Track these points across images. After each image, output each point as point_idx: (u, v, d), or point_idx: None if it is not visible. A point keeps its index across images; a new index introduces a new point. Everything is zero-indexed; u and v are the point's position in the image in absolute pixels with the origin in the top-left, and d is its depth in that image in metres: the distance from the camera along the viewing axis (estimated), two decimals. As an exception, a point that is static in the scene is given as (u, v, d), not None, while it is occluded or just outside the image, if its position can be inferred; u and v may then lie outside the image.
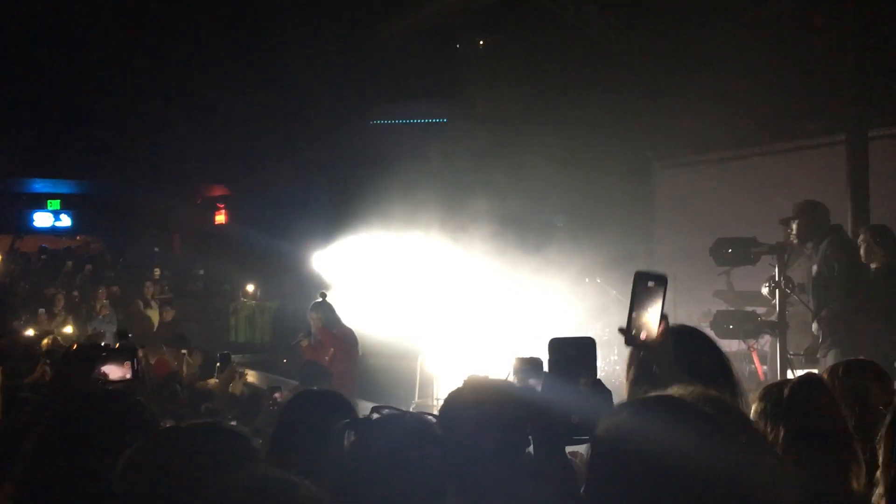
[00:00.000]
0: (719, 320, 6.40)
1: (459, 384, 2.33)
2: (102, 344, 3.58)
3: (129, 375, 2.29)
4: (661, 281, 2.06)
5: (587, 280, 10.10)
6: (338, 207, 12.35)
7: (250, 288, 14.21)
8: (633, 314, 2.05)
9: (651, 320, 2.04)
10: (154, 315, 12.28)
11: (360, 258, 10.14)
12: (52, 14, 12.09)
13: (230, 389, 6.48)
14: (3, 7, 12.11)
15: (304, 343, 8.60)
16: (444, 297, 9.21)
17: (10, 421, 4.32)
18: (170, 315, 11.95)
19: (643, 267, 2.17)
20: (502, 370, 2.48)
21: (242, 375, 7.69)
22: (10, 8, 12.12)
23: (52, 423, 1.93)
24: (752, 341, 7.45)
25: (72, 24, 12.05)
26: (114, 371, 2.28)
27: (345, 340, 8.02)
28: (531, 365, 2.35)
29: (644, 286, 2.05)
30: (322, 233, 11.04)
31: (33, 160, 15.15)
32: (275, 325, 13.71)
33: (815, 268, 6.08)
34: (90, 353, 2.17)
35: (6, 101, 13.41)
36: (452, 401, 2.20)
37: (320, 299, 8.39)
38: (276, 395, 6.23)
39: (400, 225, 9.79)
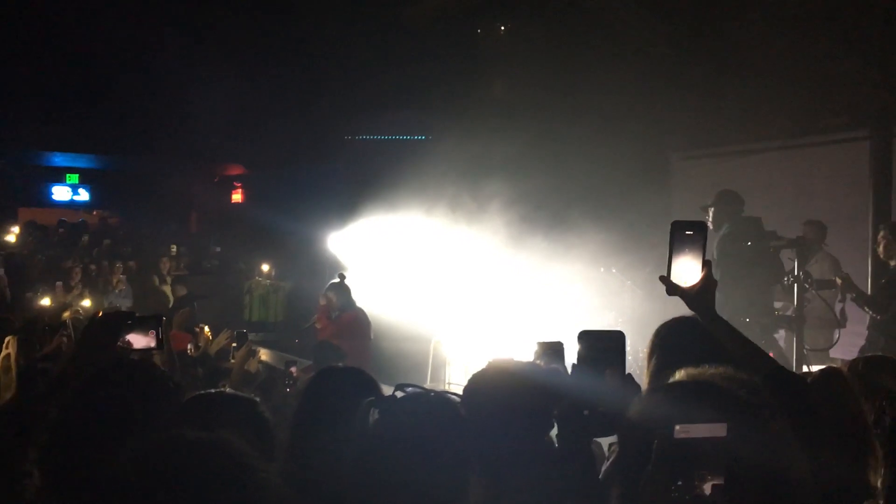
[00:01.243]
0: (736, 313, 6.37)
1: (481, 366, 2.34)
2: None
3: (153, 345, 2.31)
4: (700, 228, 2.06)
5: (602, 269, 10.08)
6: (354, 188, 12.35)
7: (265, 267, 14.26)
8: (673, 263, 2.04)
9: (692, 268, 2.04)
10: (169, 291, 12.37)
11: (376, 240, 10.16)
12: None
13: (246, 367, 6.49)
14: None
15: (319, 325, 8.64)
16: (457, 281, 9.22)
17: (30, 389, 4.36)
18: (182, 291, 12.01)
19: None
20: (523, 354, 2.48)
21: (257, 353, 7.72)
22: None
23: (77, 390, 1.96)
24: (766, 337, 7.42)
25: (98, 2, 12.08)
26: (138, 340, 2.30)
27: (350, 325, 8.00)
28: (553, 350, 2.35)
29: (682, 235, 2.04)
30: (338, 214, 11.06)
31: (53, 134, 15.22)
32: (288, 305, 13.76)
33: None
34: (115, 321, 2.18)
35: (27, 75, 13.46)
36: (477, 382, 2.21)
37: (338, 280, 8.39)
38: (293, 369, 6.26)
39: (414, 208, 9.80)
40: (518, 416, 2.10)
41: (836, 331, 6.47)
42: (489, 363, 2.34)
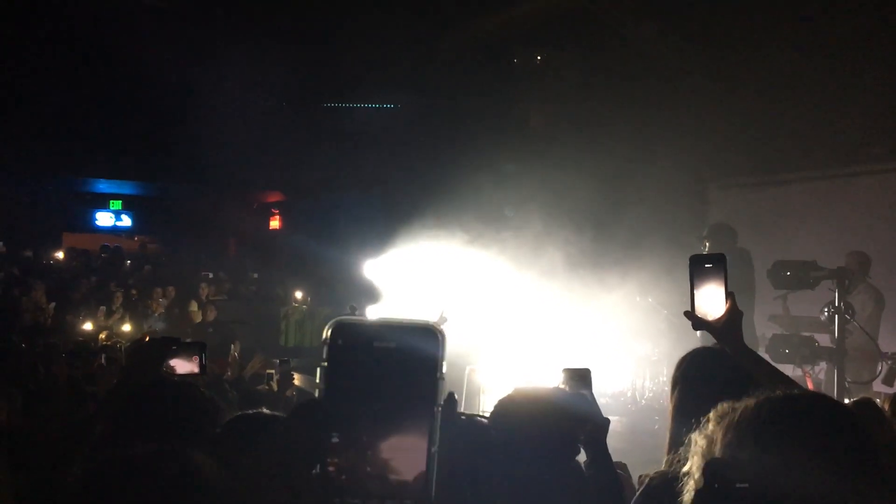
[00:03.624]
0: (775, 344, 6.28)
1: (507, 392, 2.35)
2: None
3: (196, 370, 2.37)
4: (719, 260, 2.06)
5: (638, 298, 10.01)
6: (391, 216, 12.45)
7: (299, 295, 14.38)
8: (696, 297, 2.05)
9: (716, 300, 2.04)
10: (210, 310, 12.52)
11: (412, 267, 10.20)
12: (116, 18, 12.44)
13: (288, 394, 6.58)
14: (69, 10, 12.50)
15: None
16: (493, 310, 9.20)
17: (77, 411, 4.47)
18: (212, 314, 12.11)
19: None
20: (551, 381, 2.50)
21: (292, 378, 7.79)
22: (75, 11, 12.51)
23: (120, 410, 2.01)
24: (807, 367, 7.30)
25: (137, 30, 12.40)
26: (181, 365, 2.36)
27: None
28: (579, 376, 2.37)
29: (701, 268, 2.05)
30: (375, 241, 11.14)
31: (97, 161, 15.63)
32: (323, 333, 13.84)
33: None
34: (161, 347, 2.24)
35: (75, 105, 13.87)
36: (504, 407, 2.22)
37: (349, 312, 8.46)
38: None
39: (449, 237, 9.83)
40: (545, 440, 2.11)
41: (880, 363, 6.35)
42: (515, 389, 2.35)
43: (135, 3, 12.52)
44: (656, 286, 9.65)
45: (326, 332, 1.10)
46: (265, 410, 1.86)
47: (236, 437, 1.66)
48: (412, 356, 1.07)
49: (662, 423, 8.74)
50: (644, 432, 8.34)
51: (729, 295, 2.04)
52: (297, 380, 9.24)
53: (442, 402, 1.08)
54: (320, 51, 13.39)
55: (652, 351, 10.46)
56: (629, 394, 10.42)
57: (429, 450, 1.09)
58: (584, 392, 2.25)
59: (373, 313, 6.88)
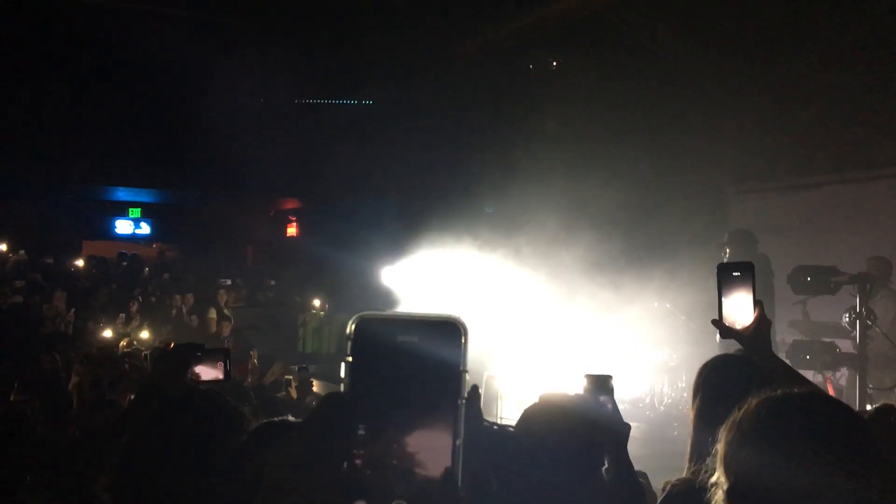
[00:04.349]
0: (796, 350, 6.25)
1: (533, 400, 2.36)
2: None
3: (220, 376, 2.39)
4: (747, 269, 2.06)
5: (656, 304, 9.97)
6: (407, 223, 12.47)
7: (317, 302, 14.42)
8: (723, 305, 2.05)
9: (743, 309, 2.04)
10: (226, 324, 12.59)
11: (429, 274, 10.22)
12: (134, 29, 12.57)
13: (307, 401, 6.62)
14: (88, 21, 12.64)
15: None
16: (510, 316, 9.20)
17: (98, 417, 4.50)
18: (227, 329, 12.13)
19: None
20: (572, 387, 2.50)
21: (311, 385, 7.83)
22: (94, 22, 12.65)
23: (148, 418, 2.03)
24: (828, 373, 7.25)
25: (155, 39, 12.52)
26: (206, 372, 2.38)
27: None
28: (601, 382, 2.36)
29: (729, 276, 2.05)
30: (391, 248, 11.17)
31: (117, 170, 15.79)
32: (341, 338, 13.88)
33: None
34: (185, 354, 2.26)
35: (94, 115, 14.02)
36: (529, 416, 2.22)
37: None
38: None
39: (467, 242, 9.84)
40: (572, 448, 2.11)
41: (903, 369, 6.30)
42: (541, 396, 2.35)
43: (151, 13, 12.65)
44: (675, 292, 9.61)
45: (350, 327, 1.11)
46: (291, 418, 1.87)
47: (262, 445, 1.67)
48: (435, 350, 1.08)
49: (681, 430, 8.69)
50: (663, 438, 8.30)
51: (757, 303, 2.04)
52: (316, 386, 9.29)
53: (466, 396, 1.09)
54: (338, 58, 13.46)
55: (670, 357, 10.41)
56: (648, 400, 10.38)
57: (453, 443, 1.09)
58: (605, 398, 2.25)
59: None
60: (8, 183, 15.33)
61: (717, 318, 2.10)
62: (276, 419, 1.84)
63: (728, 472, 1.42)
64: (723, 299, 2.06)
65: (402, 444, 1.01)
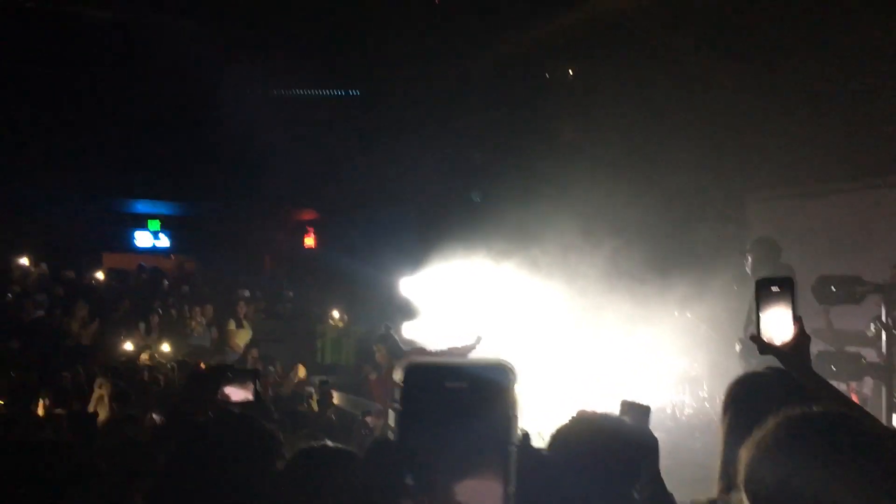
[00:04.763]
0: (821, 361, 6.17)
1: (558, 414, 2.34)
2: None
3: (250, 397, 2.39)
4: (787, 283, 2.04)
5: (676, 313, 9.92)
6: (426, 234, 12.49)
7: (335, 313, 14.46)
8: (762, 321, 2.03)
9: (783, 325, 2.02)
10: (245, 336, 12.66)
11: (448, 285, 10.21)
12: (151, 41, 12.68)
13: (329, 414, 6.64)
14: (106, 34, 12.77)
15: (373, 377, 8.73)
16: (530, 329, 9.17)
17: (120, 433, 4.53)
18: (254, 357, 12.09)
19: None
20: (604, 406, 2.48)
21: (331, 398, 7.85)
22: (111, 35, 12.77)
23: (182, 442, 2.03)
24: (853, 384, 7.17)
25: (173, 53, 12.63)
26: (235, 393, 2.38)
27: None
28: (639, 410, 2.35)
29: (768, 291, 2.03)
30: (410, 259, 11.18)
31: (137, 182, 15.94)
32: (360, 349, 13.90)
33: None
34: (215, 375, 2.27)
35: (113, 128, 14.16)
36: (564, 435, 2.21)
37: (384, 332, 8.55)
38: (368, 418, 6.34)
39: (487, 255, 9.82)
40: (607, 468, 2.10)
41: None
42: (576, 415, 2.34)
43: (167, 25, 12.76)
44: (695, 301, 9.55)
45: (399, 375, 1.10)
46: (329, 443, 1.87)
47: (304, 475, 1.66)
48: (484, 395, 1.06)
49: (703, 440, 8.63)
50: (685, 449, 8.24)
51: (797, 319, 2.02)
52: (337, 398, 9.31)
53: (517, 441, 1.07)
54: (355, 67, 13.52)
55: (690, 366, 10.35)
56: (669, 410, 10.31)
57: (505, 490, 1.08)
58: (644, 426, 2.24)
59: (409, 331, 6.92)
60: (29, 196, 15.50)
61: (743, 331, 2.10)
62: (315, 444, 1.83)
63: (748, 492, 1.41)
64: (761, 314, 2.04)
65: (452, 492, 0.99)
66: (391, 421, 1.07)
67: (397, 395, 1.08)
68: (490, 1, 10.70)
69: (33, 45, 12.43)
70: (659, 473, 2.22)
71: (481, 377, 1.06)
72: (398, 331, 9.34)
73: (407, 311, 10.30)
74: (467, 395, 1.04)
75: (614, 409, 2.38)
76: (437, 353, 7.73)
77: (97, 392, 5.60)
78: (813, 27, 8.86)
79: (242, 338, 12.65)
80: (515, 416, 1.02)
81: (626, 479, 2.08)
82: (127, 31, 12.84)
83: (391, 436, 1.04)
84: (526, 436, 1.16)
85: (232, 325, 12.77)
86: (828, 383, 2.11)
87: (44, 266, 14.64)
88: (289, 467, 1.75)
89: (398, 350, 8.36)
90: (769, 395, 2.24)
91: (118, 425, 4.59)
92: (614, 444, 2.11)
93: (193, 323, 12.72)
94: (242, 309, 13.09)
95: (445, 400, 1.04)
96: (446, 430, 1.04)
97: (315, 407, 7.56)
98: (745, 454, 1.50)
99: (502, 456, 1.03)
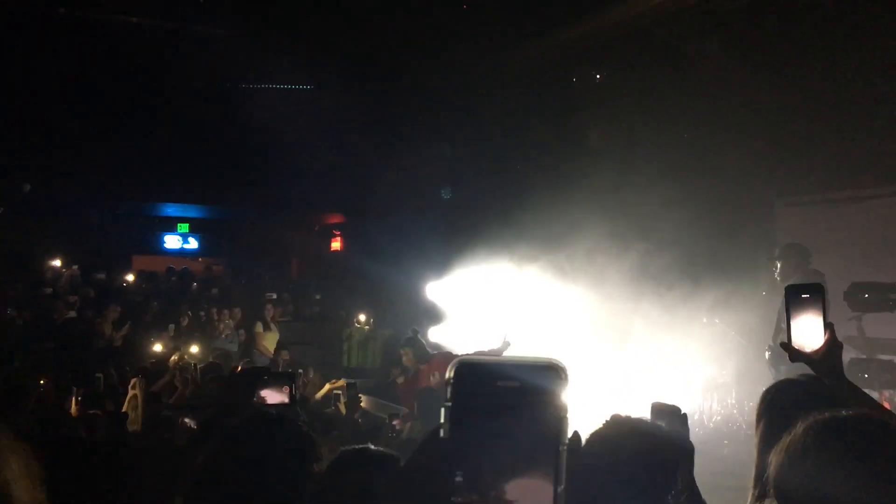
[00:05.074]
0: (854, 368, 6.13)
1: (604, 420, 2.35)
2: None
3: (286, 400, 2.43)
4: (817, 290, 2.03)
5: (705, 320, 9.85)
6: (453, 238, 12.51)
7: (362, 317, 14.52)
8: (792, 328, 2.03)
9: (813, 332, 2.01)
10: (272, 338, 12.75)
11: (474, 290, 10.23)
12: (183, 49, 12.83)
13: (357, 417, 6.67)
14: (138, 42, 12.94)
15: (400, 380, 8.76)
16: (554, 332, 9.16)
17: (155, 433, 4.60)
18: (285, 358, 12.16)
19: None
20: (632, 409, 2.48)
21: (359, 401, 7.88)
22: (141, 41, 12.94)
23: (221, 442, 2.07)
24: (885, 392, 7.09)
25: (203, 59, 12.77)
26: (272, 396, 2.42)
27: (444, 367, 8.10)
28: (670, 412, 2.35)
29: (798, 298, 2.03)
30: (436, 263, 11.21)
31: (166, 186, 16.17)
32: (386, 352, 13.95)
33: None
34: (253, 377, 2.31)
35: (144, 133, 14.37)
36: (597, 439, 2.21)
37: (411, 335, 8.58)
38: (396, 422, 6.37)
39: (509, 257, 9.83)
40: (644, 473, 2.10)
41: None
42: (610, 419, 2.34)
43: (200, 32, 12.91)
44: (723, 307, 9.49)
45: (449, 373, 1.12)
46: (371, 446, 1.89)
47: (346, 478, 1.69)
48: (535, 394, 1.08)
49: (731, 447, 8.56)
50: (713, 456, 8.16)
51: (828, 326, 2.01)
52: (364, 402, 9.36)
53: (567, 441, 1.08)
54: (380, 75, 13.59)
55: (719, 373, 10.27)
56: (697, 416, 10.23)
57: (555, 490, 1.09)
58: (682, 431, 2.24)
59: (436, 334, 6.94)
60: (61, 200, 15.76)
61: (773, 338, 2.10)
62: (356, 447, 1.86)
63: (778, 495, 1.42)
64: (791, 322, 2.04)
65: (501, 491, 1.01)
66: (441, 419, 1.09)
67: (448, 392, 1.09)
68: (520, 3, 10.70)
69: (68, 51, 12.64)
70: (694, 481, 2.22)
71: (533, 376, 1.07)
72: (425, 334, 9.38)
73: (434, 315, 10.34)
74: (518, 394, 1.06)
75: (644, 415, 2.39)
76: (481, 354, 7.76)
77: (131, 393, 5.69)
78: (842, 33, 8.78)
79: (270, 341, 12.76)
80: (566, 417, 1.03)
81: (663, 485, 2.08)
82: (159, 38, 13.01)
83: (441, 433, 1.06)
84: (577, 437, 1.18)
85: (259, 327, 12.88)
86: (861, 390, 2.10)
87: (75, 268, 14.87)
88: (331, 470, 1.77)
89: (425, 354, 8.39)
90: (804, 403, 2.24)
91: (154, 427, 4.67)
92: (651, 449, 2.11)
93: (221, 325, 12.84)
94: (270, 312, 13.20)
95: (496, 398, 1.05)
96: (497, 429, 1.05)
97: (343, 410, 7.59)
98: (774, 458, 1.51)
99: (553, 456, 1.04)
